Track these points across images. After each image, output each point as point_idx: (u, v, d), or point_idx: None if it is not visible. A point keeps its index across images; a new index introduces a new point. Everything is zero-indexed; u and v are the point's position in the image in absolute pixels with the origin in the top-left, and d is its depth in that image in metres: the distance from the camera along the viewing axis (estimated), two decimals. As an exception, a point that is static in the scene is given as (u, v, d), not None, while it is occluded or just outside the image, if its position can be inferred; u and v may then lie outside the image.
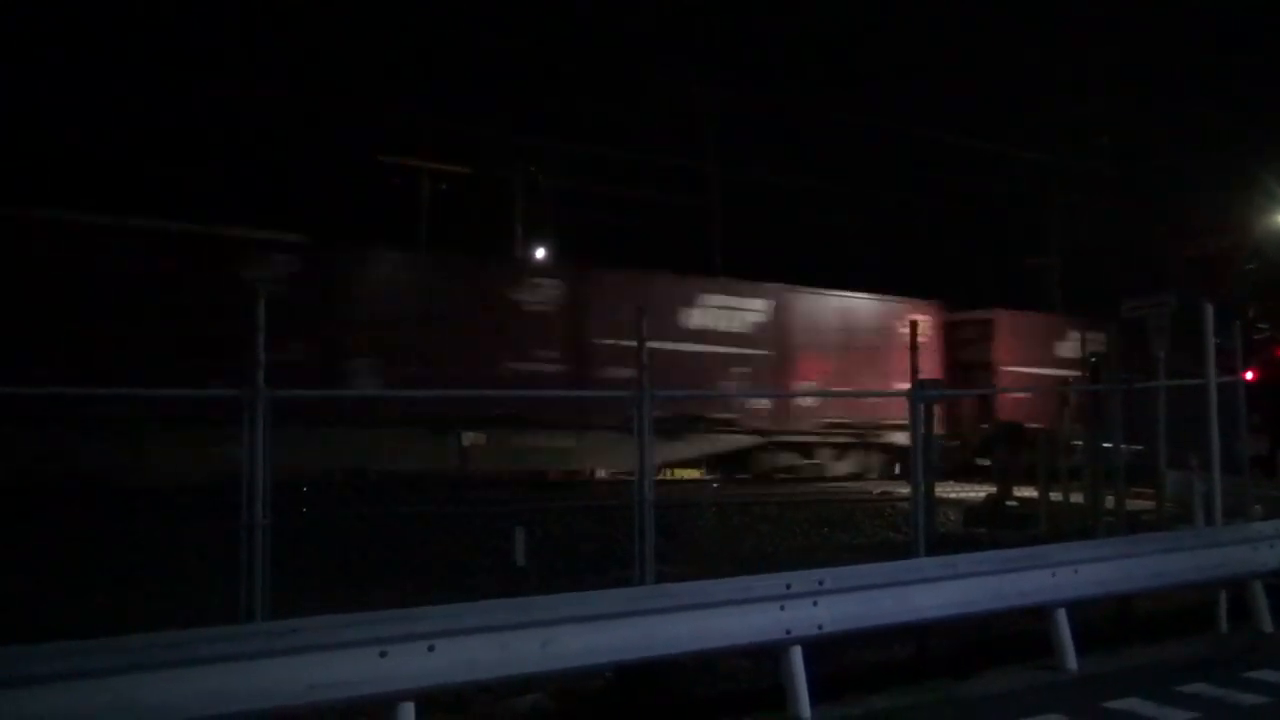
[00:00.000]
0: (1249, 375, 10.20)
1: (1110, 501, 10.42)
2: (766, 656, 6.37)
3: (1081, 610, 7.51)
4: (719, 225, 29.21)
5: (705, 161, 29.29)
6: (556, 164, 28.56)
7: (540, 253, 28.75)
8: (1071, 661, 7.08)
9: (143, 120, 25.52)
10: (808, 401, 20.63)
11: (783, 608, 6.11)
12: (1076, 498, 11.93)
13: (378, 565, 8.71)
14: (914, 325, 8.50)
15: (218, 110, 25.68)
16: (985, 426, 21.37)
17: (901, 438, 20.52)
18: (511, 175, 28.45)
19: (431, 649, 5.05)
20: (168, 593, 7.67)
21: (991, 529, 12.34)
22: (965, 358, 23.34)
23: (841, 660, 7.08)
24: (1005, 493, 14.09)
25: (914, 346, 8.24)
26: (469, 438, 16.67)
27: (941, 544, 8.67)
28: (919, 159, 31.71)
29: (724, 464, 20.42)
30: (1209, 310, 9.08)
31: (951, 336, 23.46)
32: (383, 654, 4.93)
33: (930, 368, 21.01)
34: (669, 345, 16.85)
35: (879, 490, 17.80)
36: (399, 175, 27.63)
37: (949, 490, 14.78)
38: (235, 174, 26.37)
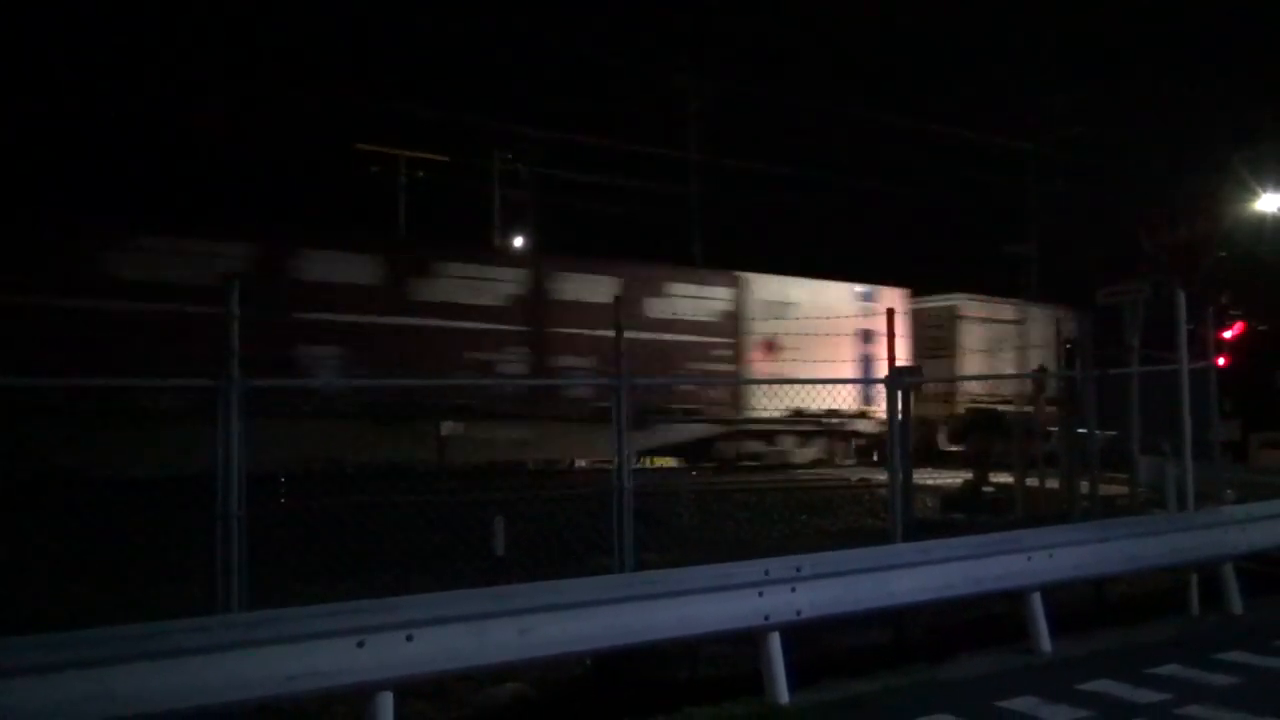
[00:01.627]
0: (1221, 361, 10.32)
1: (1085, 487, 10.52)
2: (745, 642, 6.41)
3: (1056, 593, 7.60)
4: (699, 212, 29.23)
5: (686, 149, 29.29)
6: (536, 152, 28.49)
7: (519, 240, 28.67)
8: (1046, 644, 7.16)
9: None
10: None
11: (761, 594, 6.14)
12: (1052, 483, 12.05)
13: (355, 555, 8.67)
14: (891, 313, 8.55)
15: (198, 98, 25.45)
16: (962, 413, 21.51)
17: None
18: (490, 163, 28.36)
19: (410, 638, 5.05)
20: (144, 584, 7.62)
21: (968, 514, 12.44)
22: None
23: (820, 645, 7.14)
24: (982, 479, 14.21)
25: (891, 334, 8.29)
26: (447, 427, 16.61)
27: (919, 530, 8.72)
28: (895, 146, 31.85)
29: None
30: (1181, 297, 9.18)
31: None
32: (360, 644, 4.92)
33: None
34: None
35: (857, 477, 17.90)
36: (377, 163, 27.50)
37: (926, 476, 14.87)
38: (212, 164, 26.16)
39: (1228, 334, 19.42)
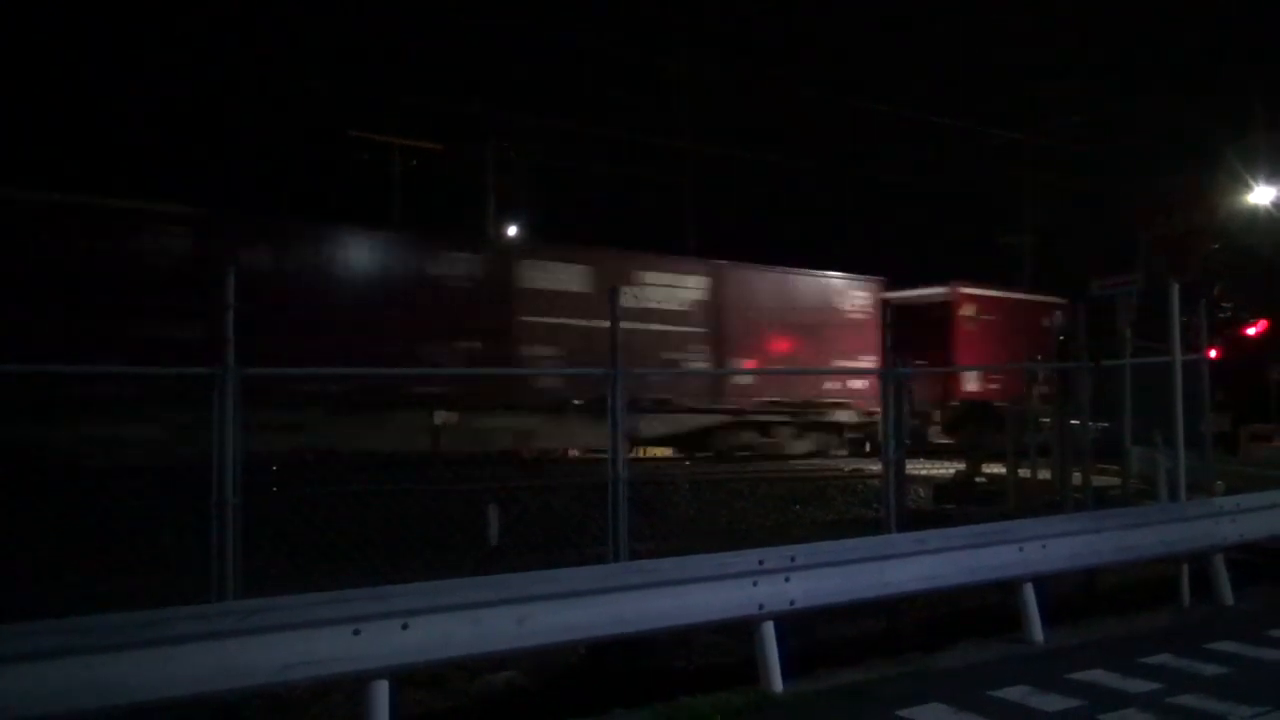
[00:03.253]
0: (1213, 353, 10.35)
1: (1077, 478, 10.56)
2: (740, 632, 6.43)
3: (1049, 584, 7.64)
4: (691, 201, 29.22)
5: (680, 137, 29.26)
6: (531, 140, 28.42)
7: (513, 229, 28.60)
8: (1038, 634, 7.20)
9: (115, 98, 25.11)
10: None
11: (756, 584, 6.16)
12: (1044, 474, 12.09)
13: (351, 543, 8.68)
14: (885, 304, 8.55)
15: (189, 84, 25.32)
16: (955, 405, 21.55)
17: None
18: (483, 151, 28.26)
19: (406, 627, 5.06)
20: (140, 572, 7.61)
21: (961, 505, 12.48)
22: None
23: (814, 635, 7.17)
24: (974, 469, 14.26)
25: (886, 325, 8.31)
26: (441, 416, 16.56)
27: (912, 520, 8.76)
28: (891, 136, 31.85)
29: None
30: (1175, 289, 9.20)
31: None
32: (356, 632, 4.93)
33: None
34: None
35: (850, 468, 17.95)
36: (369, 151, 27.39)
37: (919, 467, 14.92)
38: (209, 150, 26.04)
39: (1251, 330, 19.44)
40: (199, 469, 5.59)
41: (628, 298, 7.69)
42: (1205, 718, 5.65)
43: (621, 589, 5.82)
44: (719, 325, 19.88)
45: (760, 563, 6.24)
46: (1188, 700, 5.87)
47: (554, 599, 5.56)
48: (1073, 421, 10.68)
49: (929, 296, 22.96)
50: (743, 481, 14.65)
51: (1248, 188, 22.96)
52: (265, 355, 5.68)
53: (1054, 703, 5.86)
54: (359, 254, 16.77)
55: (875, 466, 12.57)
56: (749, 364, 20.03)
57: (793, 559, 6.36)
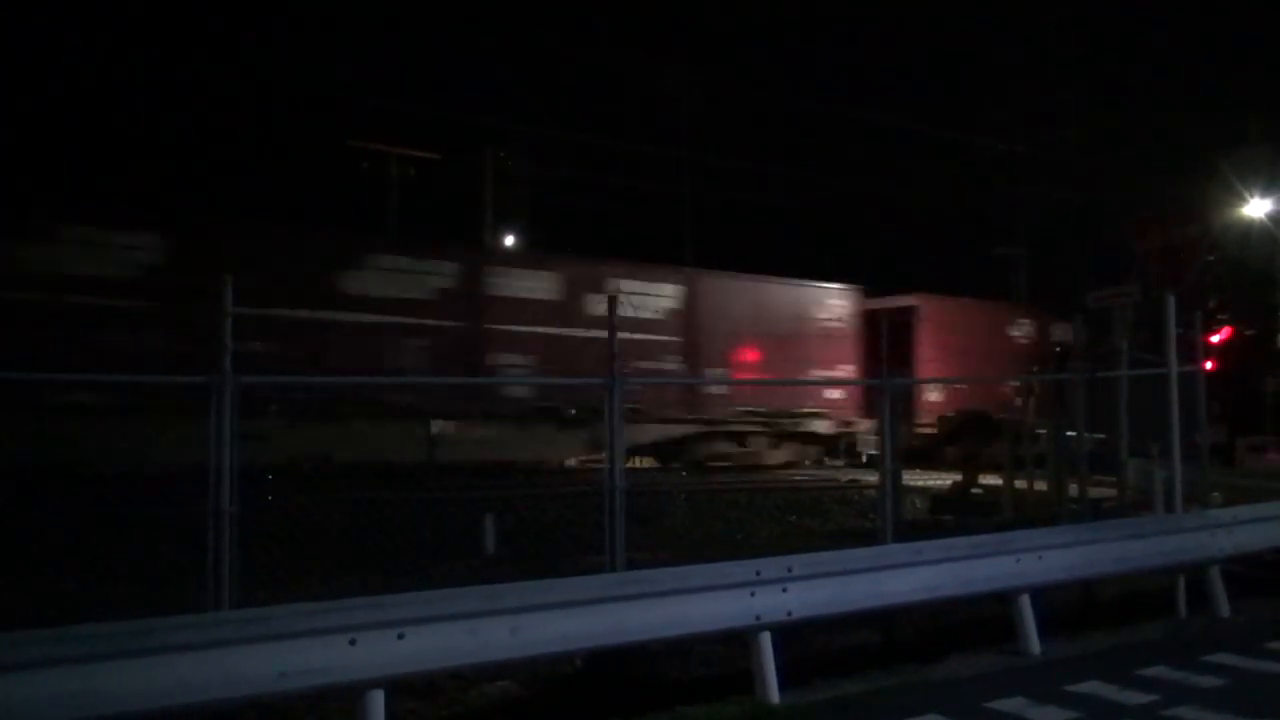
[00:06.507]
0: (1208, 365, 10.36)
1: (1073, 489, 10.56)
2: (736, 642, 6.42)
3: (1045, 595, 7.64)
4: (689, 211, 29.29)
5: (678, 148, 29.35)
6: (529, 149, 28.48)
7: (510, 239, 28.64)
8: (1035, 645, 7.19)
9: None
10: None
11: (753, 594, 6.15)
12: (1041, 485, 12.09)
13: (347, 553, 8.66)
14: (886, 316, 8.56)
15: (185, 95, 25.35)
16: (952, 415, 21.54)
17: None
18: (482, 161, 28.30)
19: (401, 636, 5.04)
20: (135, 580, 7.58)
21: (958, 516, 12.47)
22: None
23: (811, 646, 7.16)
24: (971, 480, 14.26)
25: (883, 336, 8.33)
26: (438, 425, 16.61)
27: (909, 531, 8.76)
28: (886, 147, 31.95)
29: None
30: (1171, 301, 9.21)
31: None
32: (352, 641, 4.91)
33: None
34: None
35: (847, 478, 17.94)
36: (367, 160, 27.42)
37: (915, 478, 14.90)
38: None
39: (1215, 338, 19.60)
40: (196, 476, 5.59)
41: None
42: (1202, 730, 5.65)
43: (618, 599, 5.81)
44: (693, 334, 19.99)
45: (757, 573, 6.23)
46: (1184, 712, 5.86)
47: (551, 609, 5.55)
48: (1068, 433, 10.69)
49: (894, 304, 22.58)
50: (739, 492, 14.63)
51: (1243, 201, 23.05)
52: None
53: (1050, 714, 5.86)
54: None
55: (871, 477, 12.57)
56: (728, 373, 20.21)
57: (790, 569, 6.35)
